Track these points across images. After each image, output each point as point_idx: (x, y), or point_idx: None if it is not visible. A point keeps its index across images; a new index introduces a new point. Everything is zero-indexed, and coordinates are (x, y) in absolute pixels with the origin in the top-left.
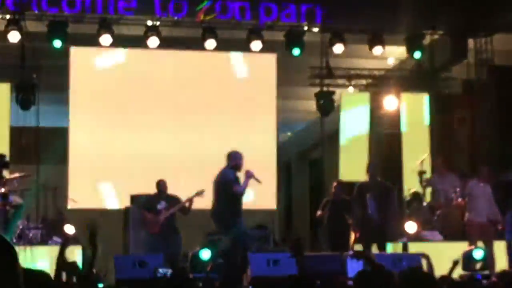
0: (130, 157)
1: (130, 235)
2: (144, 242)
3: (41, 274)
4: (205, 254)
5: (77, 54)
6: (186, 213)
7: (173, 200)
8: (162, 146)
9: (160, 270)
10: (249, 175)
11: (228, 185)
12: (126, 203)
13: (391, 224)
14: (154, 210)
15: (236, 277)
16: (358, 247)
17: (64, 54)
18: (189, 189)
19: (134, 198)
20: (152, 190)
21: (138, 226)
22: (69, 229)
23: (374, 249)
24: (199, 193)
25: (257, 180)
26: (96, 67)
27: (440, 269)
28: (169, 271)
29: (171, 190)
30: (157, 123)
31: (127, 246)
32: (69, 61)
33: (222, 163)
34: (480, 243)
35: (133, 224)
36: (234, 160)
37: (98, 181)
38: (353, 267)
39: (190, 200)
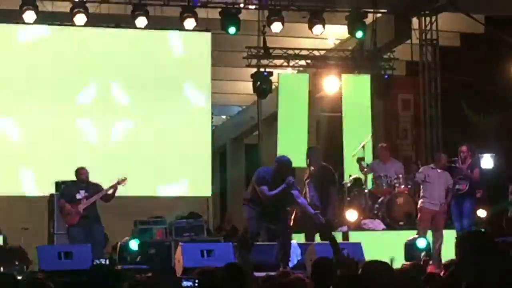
0: (54, 142)
1: (55, 225)
2: (67, 233)
3: None
4: (134, 244)
5: None
6: (108, 200)
7: (94, 188)
8: (90, 129)
9: (97, 261)
10: (287, 182)
11: (253, 183)
12: (51, 189)
13: (331, 212)
14: (73, 199)
15: (169, 268)
16: (300, 237)
17: None
18: (116, 175)
19: (58, 185)
20: None
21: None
22: None
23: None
24: (121, 181)
25: (296, 189)
26: (19, 46)
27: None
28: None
29: (95, 176)
30: (85, 105)
31: (52, 236)
32: None
33: (153, 147)
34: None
35: (57, 213)
36: (277, 164)
37: (19, 167)
38: (292, 257)
39: (113, 188)
